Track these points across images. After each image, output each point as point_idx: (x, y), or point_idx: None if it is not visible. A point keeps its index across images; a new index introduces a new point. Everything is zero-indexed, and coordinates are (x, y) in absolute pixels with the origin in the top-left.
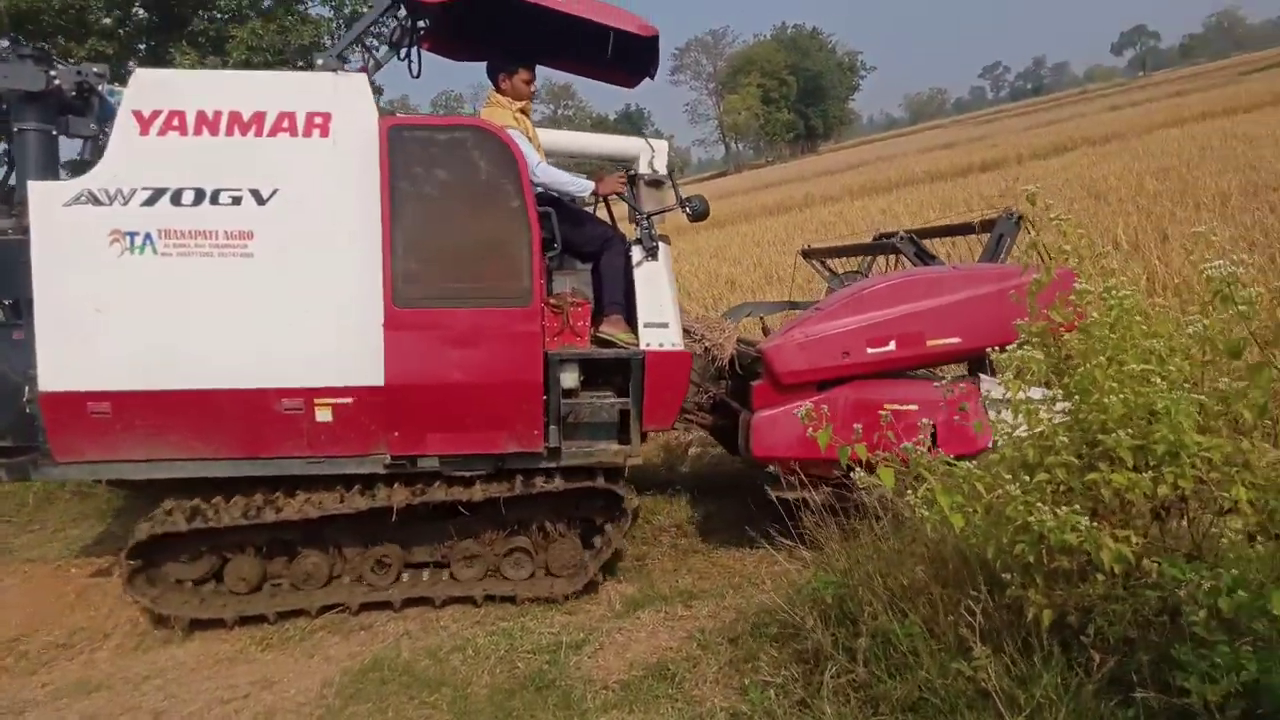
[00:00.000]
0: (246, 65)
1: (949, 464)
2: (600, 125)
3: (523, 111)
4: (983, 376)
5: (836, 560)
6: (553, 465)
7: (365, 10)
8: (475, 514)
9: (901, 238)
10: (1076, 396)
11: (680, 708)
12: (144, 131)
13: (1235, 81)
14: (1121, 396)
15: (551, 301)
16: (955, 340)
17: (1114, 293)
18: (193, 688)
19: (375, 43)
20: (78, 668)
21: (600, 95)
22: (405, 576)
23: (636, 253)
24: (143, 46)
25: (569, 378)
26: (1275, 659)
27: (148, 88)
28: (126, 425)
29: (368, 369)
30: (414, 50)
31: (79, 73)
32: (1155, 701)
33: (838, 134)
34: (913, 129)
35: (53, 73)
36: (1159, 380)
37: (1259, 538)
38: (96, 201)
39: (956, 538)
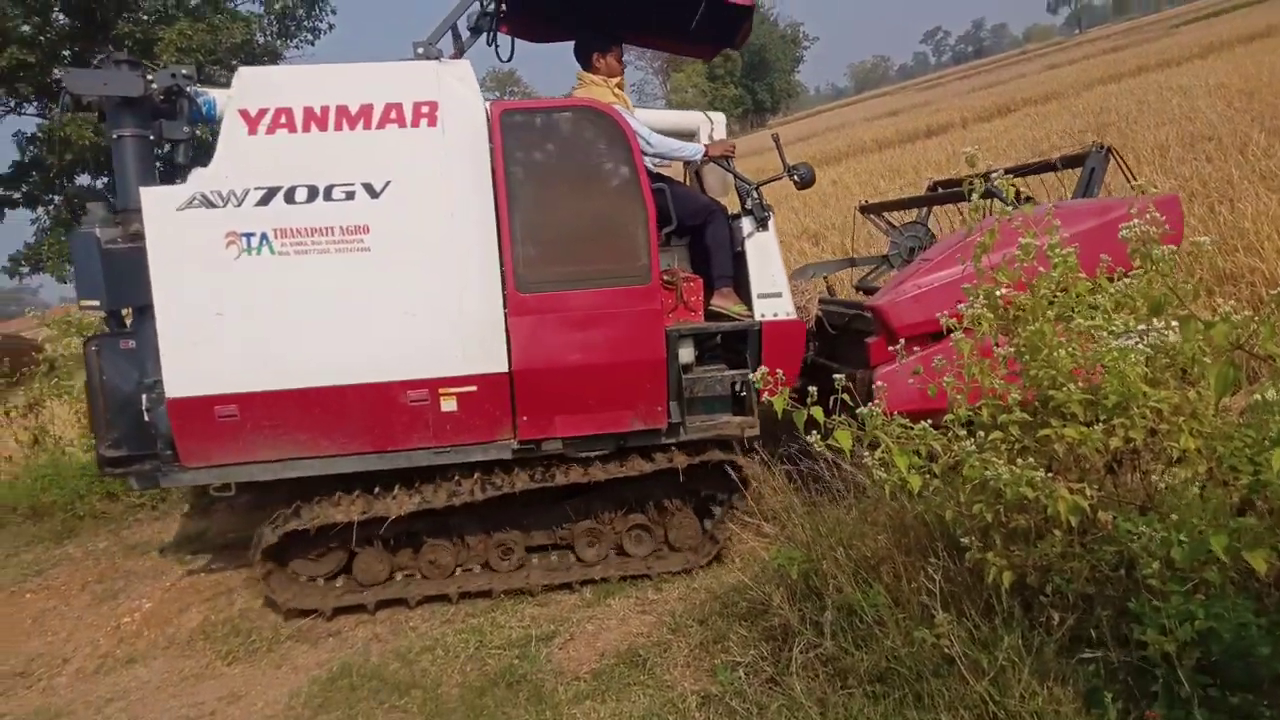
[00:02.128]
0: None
1: (905, 426)
2: None
3: (619, 87)
4: None
5: (800, 533)
6: (672, 441)
7: (292, 4)
8: (595, 494)
9: (994, 180)
10: (1026, 355)
11: (652, 694)
12: (252, 131)
13: (1168, 34)
14: (1070, 351)
15: (665, 278)
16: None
17: (1058, 250)
18: (157, 707)
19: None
20: (37, 695)
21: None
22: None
23: (747, 224)
24: (66, 53)
25: (686, 353)
26: (1224, 605)
27: (252, 86)
28: (254, 427)
29: (491, 356)
30: (495, 34)
31: (172, 75)
32: (1115, 656)
33: (786, 106)
34: (859, 98)
35: (149, 77)
36: (1106, 335)
37: (1207, 485)
38: (210, 204)
39: (916, 503)
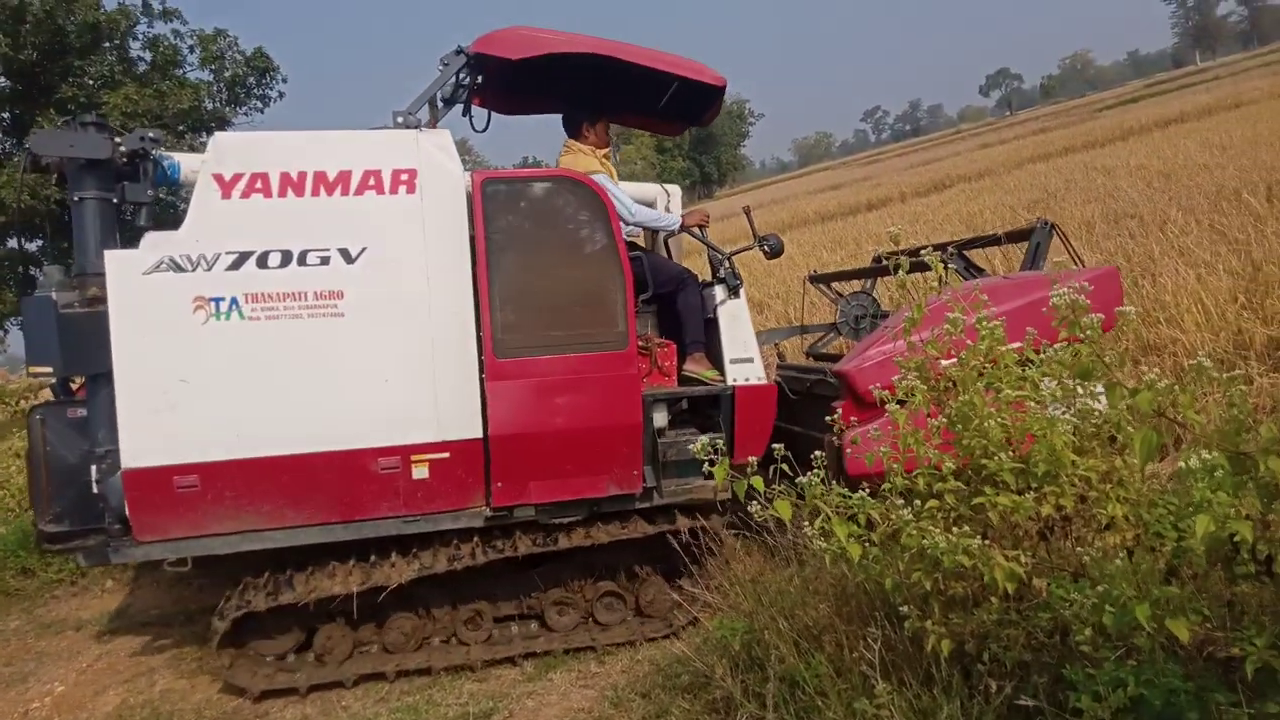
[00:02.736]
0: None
1: (844, 495)
2: None
3: (606, 157)
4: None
5: (743, 603)
6: (646, 505)
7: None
8: (566, 561)
9: (950, 253)
10: (958, 425)
11: None
12: (226, 195)
13: (1092, 118)
14: (999, 421)
15: (640, 343)
16: (1018, 345)
17: (986, 323)
18: None
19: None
20: None
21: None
22: (497, 632)
23: (720, 291)
24: (6, 115)
25: (660, 417)
26: (1154, 672)
27: (228, 151)
28: (215, 498)
29: (466, 422)
30: (469, 106)
31: (141, 139)
32: None
33: (732, 179)
34: (802, 171)
35: (117, 139)
36: (1034, 405)
37: (1135, 551)
38: (178, 268)
39: (857, 571)
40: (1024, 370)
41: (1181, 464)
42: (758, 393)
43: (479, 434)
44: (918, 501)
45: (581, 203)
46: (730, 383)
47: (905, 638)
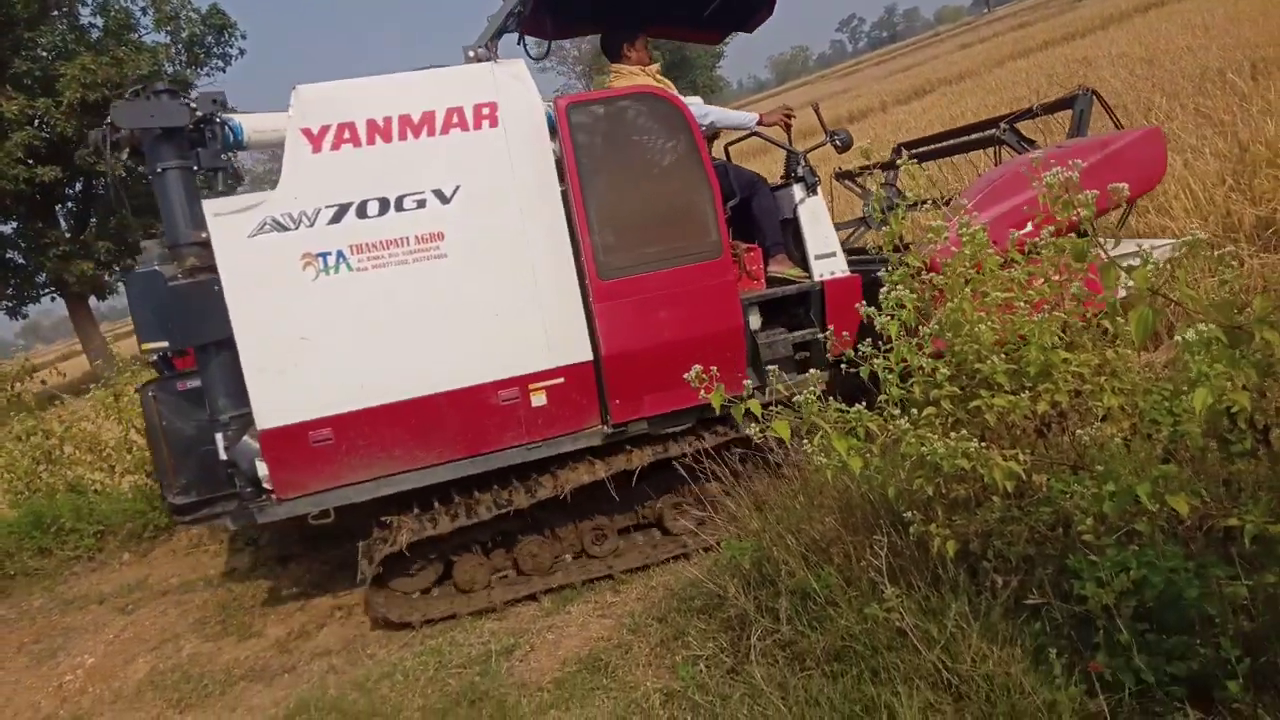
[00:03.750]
0: (82, 103)
1: (841, 410)
2: None
3: (657, 73)
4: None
5: (750, 523)
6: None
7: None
8: (673, 470)
9: (1003, 128)
10: (949, 333)
11: (615, 696)
12: (316, 149)
13: (1071, 8)
14: (989, 325)
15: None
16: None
17: (968, 227)
18: None
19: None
20: None
21: None
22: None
23: (798, 190)
24: None
25: (755, 320)
26: (1155, 554)
27: (312, 104)
28: (350, 448)
29: (576, 346)
30: (522, 34)
31: (213, 101)
32: (1059, 612)
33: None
34: (780, 89)
35: (192, 104)
36: (1023, 305)
37: (1132, 440)
38: (282, 228)
39: (859, 483)
40: (1012, 270)
41: (1178, 338)
42: (844, 285)
43: (589, 356)
44: (915, 410)
45: (664, 117)
46: (818, 278)
47: (911, 543)
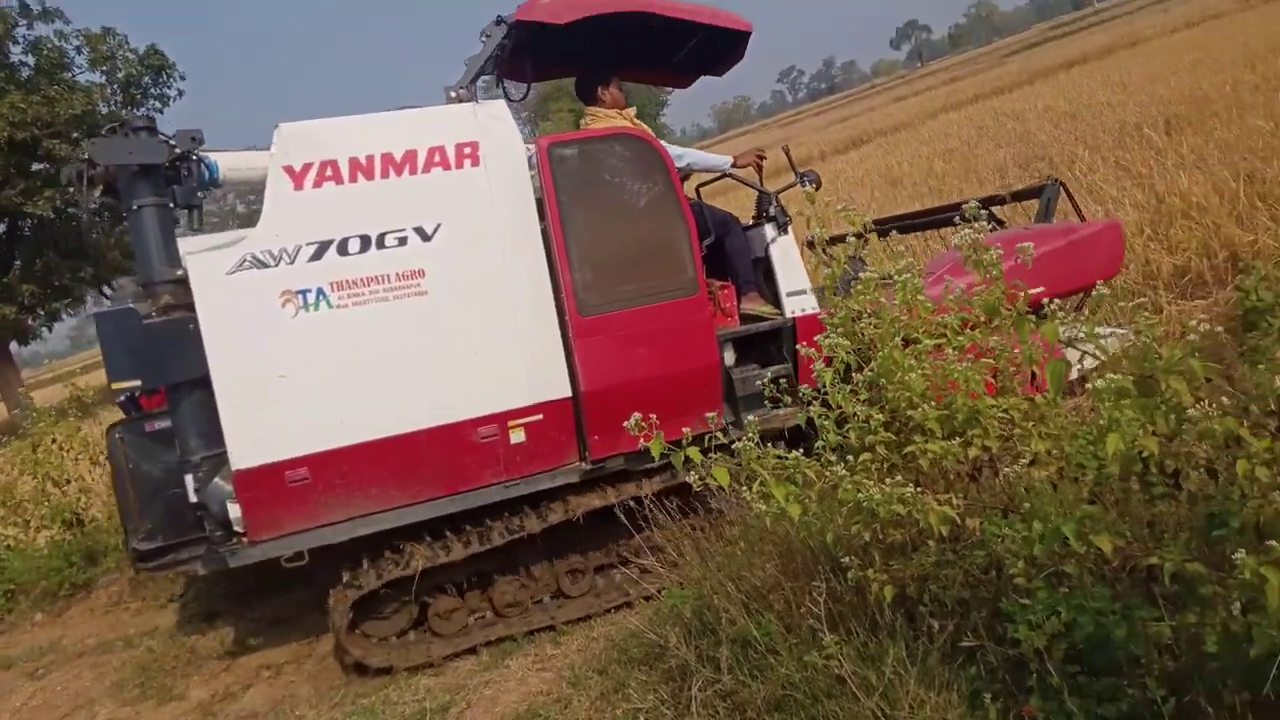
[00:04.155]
0: (10, 142)
1: (779, 457)
2: None
3: (633, 116)
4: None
5: (691, 571)
6: (727, 441)
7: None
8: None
9: (977, 208)
10: (882, 379)
11: None
12: (298, 186)
13: (999, 64)
14: (921, 372)
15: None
16: (1041, 289)
17: (901, 276)
18: None
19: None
20: None
21: None
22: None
23: (770, 230)
24: None
25: (729, 356)
26: (1083, 596)
27: (295, 141)
28: (326, 487)
29: (554, 383)
30: (501, 78)
31: (191, 139)
32: (993, 655)
33: None
34: (722, 137)
35: (170, 142)
36: (951, 352)
37: (1060, 482)
38: (261, 264)
39: (798, 529)
40: (943, 320)
41: (1089, 386)
42: (816, 321)
43: (568, 393)
44: (850, 457)
45: (643, 158)
46: (789, 315)
47: (850, 588)
